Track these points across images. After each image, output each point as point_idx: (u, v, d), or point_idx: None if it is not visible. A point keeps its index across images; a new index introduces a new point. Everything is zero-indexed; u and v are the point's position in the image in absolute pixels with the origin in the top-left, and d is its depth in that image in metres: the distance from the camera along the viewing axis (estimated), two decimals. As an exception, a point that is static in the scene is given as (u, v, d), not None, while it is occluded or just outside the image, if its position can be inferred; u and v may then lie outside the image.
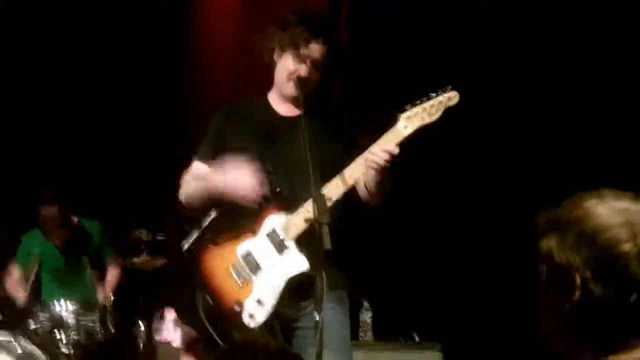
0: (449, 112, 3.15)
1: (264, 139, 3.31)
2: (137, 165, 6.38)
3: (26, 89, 6.46)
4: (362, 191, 3.27)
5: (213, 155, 3.35)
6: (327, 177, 3.16)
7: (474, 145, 5.55)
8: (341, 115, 3.50)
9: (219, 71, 6.44)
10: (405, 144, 3.14)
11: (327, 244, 2.81)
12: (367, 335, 5.42)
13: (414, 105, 3.14)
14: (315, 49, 3.26)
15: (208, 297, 3.20)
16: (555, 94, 5.34)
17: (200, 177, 3.34)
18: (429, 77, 5.57)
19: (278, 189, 3.22)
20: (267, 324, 3.16)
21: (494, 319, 5.46)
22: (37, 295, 5.87)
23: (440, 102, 3.14)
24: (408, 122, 3.13)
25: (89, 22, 6.42)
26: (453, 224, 5.71)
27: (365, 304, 5.43)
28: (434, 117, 3.13)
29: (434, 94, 3.15)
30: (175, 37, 6.54)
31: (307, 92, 3.29)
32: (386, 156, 3.08)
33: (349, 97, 5.52)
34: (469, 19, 5.61)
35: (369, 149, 3.14)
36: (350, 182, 3.15)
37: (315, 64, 3.27)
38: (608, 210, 1.46)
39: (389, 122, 3.17)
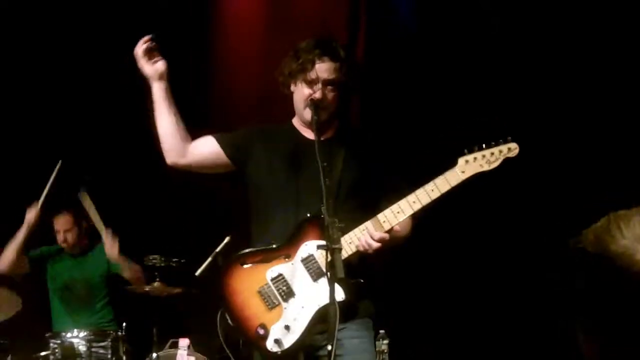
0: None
1: (293, 162, 3.28)
2: (151, 189, 6.33)
3: (37, 109, 6.43)
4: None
5: (228, 143, 3.36)
6: (353, 201, 3.13)
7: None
8: (367, 137, 3.46)
9: (241, 92, 6.39)
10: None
11: (340, 272, 2.75)
12: (384, 364, 5.33)
13: (472, 150, 3.12)
14: (322, 68, 3.23)
15: (229, 318, 3.12)
16: (565, 102, 5.32)
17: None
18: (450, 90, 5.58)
19: (322, 215, 3.08)
20: (294, 352, 3.09)
21: (512, 348, 5.39)
22: (48, 323, 5.81)
23: (501, 152, 3.12)
24: (466, 167, 3.10)
25: (107, 31, 6.36)
26: (469, 253, 5.66)
27: (382, 332, 5.34)
28: (492, 166, 3.11)
29: (493, 142, 3.12)
30: (199, 46, 6.49)
31: (326, 115, 3.26)
32: (378, 245, 3.04)
33: (369, 116, 5.50)
34: (482, 31, 5.60)
35: (406, 198, 3.10)
36: (412, 210, 3.10)
37: (326, 83, 3.23)
38: None
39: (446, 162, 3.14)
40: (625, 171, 4.93)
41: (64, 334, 5.41)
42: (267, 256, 3.17)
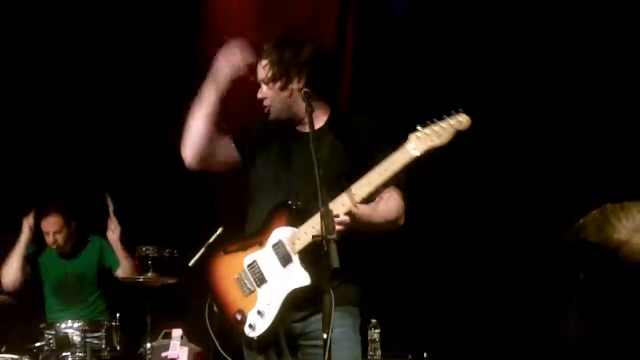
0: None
1: (284, 154, 3.34)
2: (145, 180, 6.35)
3: (31, 99, 6.44)
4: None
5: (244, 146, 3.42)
6: (337, 189, 3.13)
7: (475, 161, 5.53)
8: (359, 128, 3.43)
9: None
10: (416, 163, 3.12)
11: (335, 262, 2.77)
12: (376, 353, 5.37)
13: (425, 125, 3.12)
14: (258, 72, 3.34)
15: (214, 305, 3.23)
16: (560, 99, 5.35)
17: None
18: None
19: (289, 202, 3.22)
20: (269, 337, 3.16)
21: (503, 336, 5.43)
22: (42, 314, 5.84)
23: (451, 125, 3.11)
24: (417, 143, 3.10)
25: (101, 31, 6.38)
26: (460, 241, 5.70)
27: (373, 321, 5.39)
28: (443, 140, 3.10)
29: (445, 116, 3.12)
30: (188, 42, 6.50)
31: (277, 112, 3.32)
32: (342, 227, 3.02)
33: (360, 104, 5.52)
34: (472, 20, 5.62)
35: (376, 168, 3.11)
36: (366, 192, 3.11)
37: (261, 83, 3.34)
38: None
39: (400, 140, 3.15)
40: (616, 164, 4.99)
41: (58, 324, 5.44)
42: (245, 244, 3.27)
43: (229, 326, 3.20)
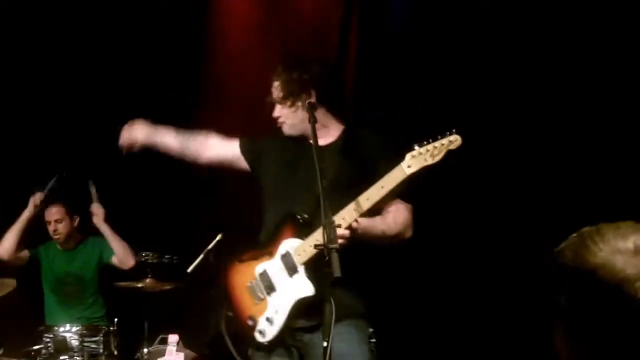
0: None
1: (293, 165, 3.54)
2: (145, 187, 6.38)
3: (32, 100, 6.48)
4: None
5: (249, 150, 3.68)
6: (345, 201, 3.26)
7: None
8: (366, 144, 3.56)
9: (236, 90, 6.44)
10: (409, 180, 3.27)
11: (337, 271, 2.86)
12: (372, 364, 5.38)
13: (420, 145, 3.26)
14: (272, 92, 3.57)
15: (229, 310, 3.46)
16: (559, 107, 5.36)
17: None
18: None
19: (296, 214, 3.37)
20: (278, 342, 3.35)
21: (499, 349, 5.45)
22: (41, 317, 5.88)
23: (443, 145, 3.25)
24: (412, 162, 3.24)
25: (106, 31, 6.42)
26: (459, 254, 5.71)
27: (370, 331, 5.39)
28: (436, 159, 3.25)
29: (439, 136, 3.26)
30: (193, 45, 6.54)
31: (288, 128, 3.57)
32: (343, 241, 3.15)
33: (364, 115, 5.56)
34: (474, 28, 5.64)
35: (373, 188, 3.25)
36: (365, 207, 3.25)
37: (277, 102, 3.56)
38: None
39: (397, 158, 3.30)
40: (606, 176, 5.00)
41: (56, 328, 5.48)
42: (257, 253, 3.47)
43: (239, 329, 3.41)
